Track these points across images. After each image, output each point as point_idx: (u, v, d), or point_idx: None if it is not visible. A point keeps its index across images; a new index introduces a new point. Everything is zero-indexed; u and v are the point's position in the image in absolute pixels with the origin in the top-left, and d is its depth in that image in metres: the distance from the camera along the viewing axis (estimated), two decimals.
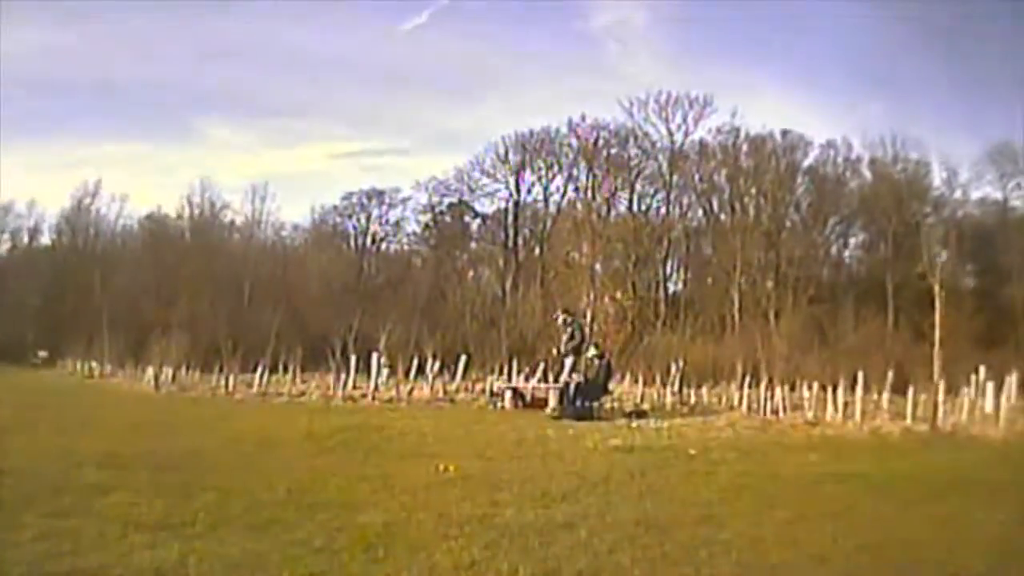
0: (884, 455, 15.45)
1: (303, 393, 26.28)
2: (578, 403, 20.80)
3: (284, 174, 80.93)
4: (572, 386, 21.04)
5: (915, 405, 21.30)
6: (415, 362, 29.20)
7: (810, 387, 24.13)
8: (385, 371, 28.84)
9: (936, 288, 27.05)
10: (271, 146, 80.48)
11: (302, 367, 33.98)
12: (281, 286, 50.83)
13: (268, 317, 41.73)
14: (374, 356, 27.93)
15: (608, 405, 22.25)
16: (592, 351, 22.55)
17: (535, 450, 14.63)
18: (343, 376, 27.35)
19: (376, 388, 26.12)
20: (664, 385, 28.03)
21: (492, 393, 25.24)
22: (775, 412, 22.35)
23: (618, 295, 34.76)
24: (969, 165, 55.20)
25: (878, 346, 40.30)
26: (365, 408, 22.83)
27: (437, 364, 28.55)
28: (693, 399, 26.32)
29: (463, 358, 30.88)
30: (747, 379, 28.20)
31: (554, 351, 24.55)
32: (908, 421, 20.48)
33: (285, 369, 33.54)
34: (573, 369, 22.30)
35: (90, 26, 67.70)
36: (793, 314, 47.05)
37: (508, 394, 23.43)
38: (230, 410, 22.05)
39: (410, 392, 25.75)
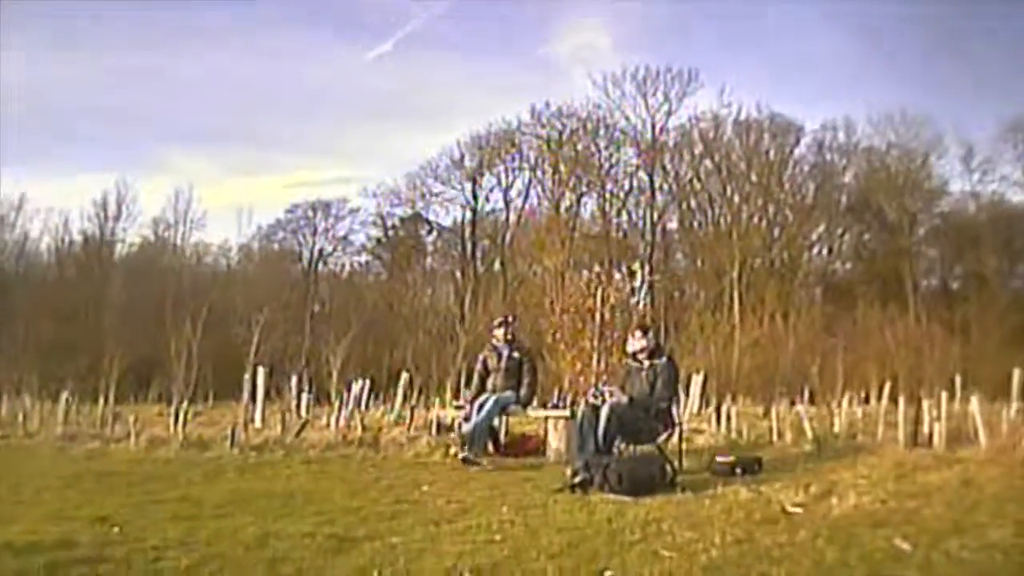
0: None
1: (128, 435, 13.65)
2: (615, 448, 8.89)
3: (242, 204, 69.84)
4: (606, 413, 8.92)
5: None
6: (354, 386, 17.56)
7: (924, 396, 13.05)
8: (304, 398, 17.42)
9: None
10: (229, 175, 68.48)
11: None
12: (207, 304, 38.47)
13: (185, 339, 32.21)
14: (259, 375, 16.28)
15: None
16: (639, 340, 9.72)
17: None
18: (182, 408, 14.96)
19: (253, 422, 14.98)
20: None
21: (439, 426, 13.11)
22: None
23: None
24: (986, 143, 45.27)
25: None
26: (187, 467, 10.71)
27: (360, 385, 16.97)
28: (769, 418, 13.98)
29: (404, 377, 19.14)
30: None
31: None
32: None
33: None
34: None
35: (56, 58, 55.82)
36: (808, 314, 36.55)
37: (475, 423, 10.74)
38: None
39: (299, 431, 13.38)
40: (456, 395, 18.98)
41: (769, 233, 45.21)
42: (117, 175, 49.45)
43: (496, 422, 11.41)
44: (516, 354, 11.39)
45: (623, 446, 9.19)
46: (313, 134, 65.84)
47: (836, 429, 12.86)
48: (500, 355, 11.38)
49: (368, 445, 12.57)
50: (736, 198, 45.93)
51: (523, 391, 11.17)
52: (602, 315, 17.84)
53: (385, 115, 65.63)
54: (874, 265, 45.37)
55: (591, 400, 9.26)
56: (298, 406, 16.91)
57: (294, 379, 18.44)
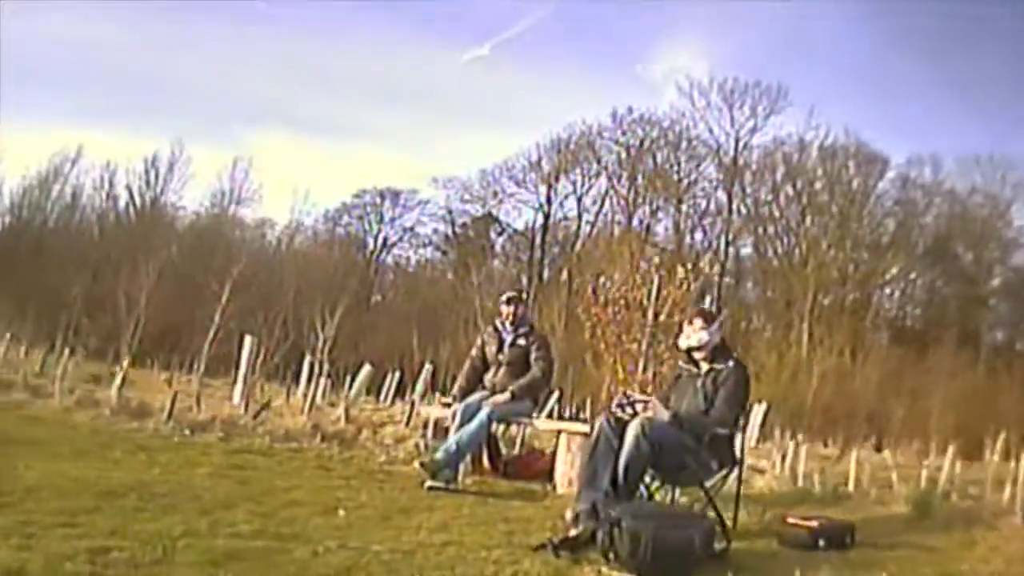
0: None
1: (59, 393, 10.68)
2: (641, 488, 5.64)
3: (302, 183, 66.46)
4: (634, 434, 5.54)
5: None
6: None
7: None
8: (322, 383, 14.87)
9: None
10: (307, 163, 67.29)
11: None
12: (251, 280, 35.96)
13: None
14: (245, 344, 13.36)
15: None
16: (699, 330, 6.22)
17: None
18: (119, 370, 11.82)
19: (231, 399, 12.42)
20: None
21: (436, 427, 9.35)
22: None
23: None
24: None
25: None
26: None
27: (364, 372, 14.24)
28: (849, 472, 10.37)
29: (427, 368, 16.19)
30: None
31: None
32: None
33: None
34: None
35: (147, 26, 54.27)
36: (876, 355, 34.04)
37: (453, 440, 7.37)
38: None
39: (257, 414, 10.18)
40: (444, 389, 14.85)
41: (844, 268, 42.24)
42: (174, 138, 47.94)
43: (495, 428, 8.07)
44: (522, 340, 8.05)
45: (656, 485, 5.98)
46: (388, 124, 64.42)
47: (938, 487, 9.45)
48: (502, 341, 8.10)
49: (340, 441, 9.49)
50: (814, 228, 43.30)
51: (529, 373, 7.90)
52: (655, 313, 14.29)
53: (466, 114, 64.64)
54: (946, 313, 42.49)
55: (615, 412, 5.91)
56: (309, 392, 13.81)
57: (306, 361, 15.15)
